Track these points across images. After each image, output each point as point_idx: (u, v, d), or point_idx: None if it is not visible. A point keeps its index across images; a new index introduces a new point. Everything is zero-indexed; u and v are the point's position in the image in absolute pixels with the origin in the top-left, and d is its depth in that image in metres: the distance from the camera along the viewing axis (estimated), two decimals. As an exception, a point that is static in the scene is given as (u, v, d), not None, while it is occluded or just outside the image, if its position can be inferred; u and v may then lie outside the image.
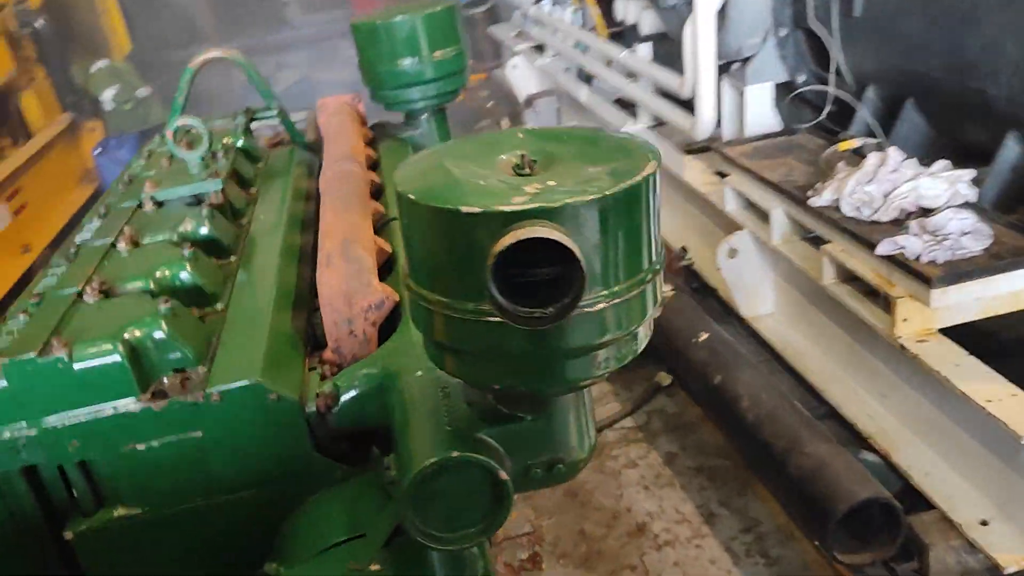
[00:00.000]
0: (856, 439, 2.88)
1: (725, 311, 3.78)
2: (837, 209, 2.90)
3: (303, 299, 1.79)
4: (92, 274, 1.60)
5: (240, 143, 2.45)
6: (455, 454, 1.18)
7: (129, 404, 1.37)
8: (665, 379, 3.55)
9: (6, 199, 5.44)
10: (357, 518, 1.39)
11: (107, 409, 1.37)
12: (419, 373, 1.39)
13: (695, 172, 4.04)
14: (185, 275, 1.61)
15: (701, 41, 3.70)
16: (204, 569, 1.48)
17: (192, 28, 8.70)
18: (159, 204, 1.98)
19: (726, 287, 3.66)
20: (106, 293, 1.54)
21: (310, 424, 1.45)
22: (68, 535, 1.44)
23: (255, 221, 2.04)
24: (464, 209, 1.01)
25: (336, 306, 1.57)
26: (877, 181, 2.85)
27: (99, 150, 6.49)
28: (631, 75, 4.82)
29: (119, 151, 6.47)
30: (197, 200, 2.00)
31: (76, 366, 1.34)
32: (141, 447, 1.40)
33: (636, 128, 4.76)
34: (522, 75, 6.61)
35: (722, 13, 3.70)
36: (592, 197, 1.01)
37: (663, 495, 3.00)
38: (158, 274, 1.59)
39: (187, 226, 1.81)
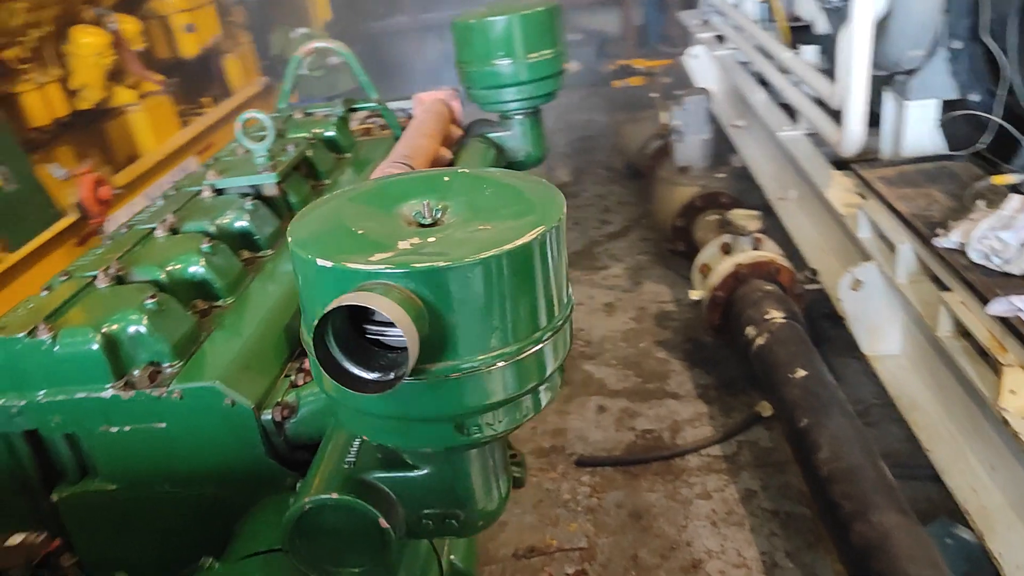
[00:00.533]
0: (957, 511, 2.58)
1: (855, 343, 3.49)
2: (963, 254, 2.58)
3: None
4: (116, 258, 1.72)
5: (328, 134, 2.53)
6: (334, 495, 1.17)
7: (101, 390, 1.48)
8: (766, 409, 3.35)
9: (198, 152, 5.98)
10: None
11: (82, 392, 1.48)
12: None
13: (838, 190, 3.72)
14: (196, 268, 1.70)
15: (855, 49, 3.37)
16: (167, 552, 1.57)
17: (390, 1, 9.07)
18: (219, 192, 2.09)
19: (849, 321, 3.36)
20: (120, 279, 1.66)
21: (266, 431, 1.50)
22: (54, 497, 1.58)
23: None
24: (319, 261, 0.99)
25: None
26: (1016, 228, 2.50)
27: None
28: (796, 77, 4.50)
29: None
30: (255, 191, 2.10)
31: (57, 349, 1.46)
32: (113, 430, 1.51)
33: (793, 135, 4.45)
34: (701, 65, 6.35)
35: (883, 20, 3.36)
36: (442, 264, 0.96)
37: (729, 534, 2.84)
38: (170, 266, 1.69)
39: (225, 218, 1.90)
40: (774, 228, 3.90)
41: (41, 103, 4.88)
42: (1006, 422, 2.28)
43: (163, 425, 1.49)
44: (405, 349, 0.95)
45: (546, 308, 1.05)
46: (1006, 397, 2.29)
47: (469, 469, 1.22)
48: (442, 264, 0.95)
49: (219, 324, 1.65)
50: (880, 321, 3.29)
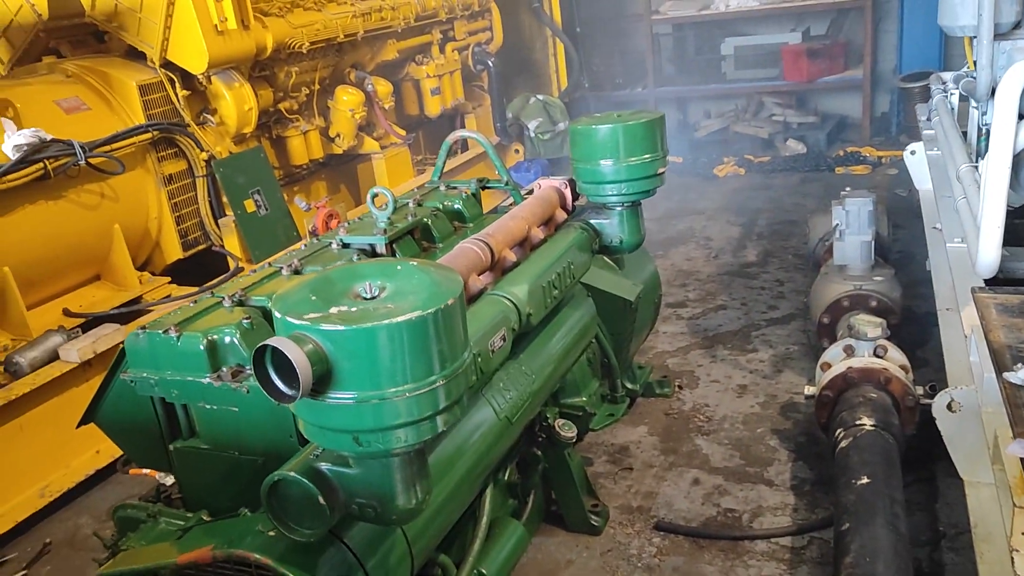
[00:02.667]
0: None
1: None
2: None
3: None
4: (243, 288, 2.40)
5: (455, 206, 3.12)
6: (293, 474, 1.71)
7: (202, 377, 2.13)
8: (850, 512, 3.41)
9: (426, 198, 6.88)
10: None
11: (191, 376, 2.15)
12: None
13: (971, 310, 3.69)
14: (292, 303, 2.33)
15: (991, 173, 3.40)
16: (233, 499, 2.18)
17: (633, 73, 9.66)
18: (345, 246, 2.74)
19: (947, 442, 3.35)
20: (241, 302, 2.33)
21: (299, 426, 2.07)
22: (171, 447, 2.27)
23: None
24: (276, 314, 1.54)
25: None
26: (1075, 373, 2.50)
27: (514, 168, 7.75)
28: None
29: (528, 172, 7.67)
30: (371, 248, 2.72)
31: (178, 345, 2.14)
32: (207, 406, 2.16)
33: (959, 247, 4.38)
34: (917, 162, 6.27)
35: (1027, 146, 3.35)
36: (332, 328, 1.46)
37: (763, 618, 3.00)
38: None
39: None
40: (938, 339, 3.88)
41: (303, 146, 5.98)
42: (1012, 561, 2.30)
43: (236, 409, 2.12)
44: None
45: (414, 365, 1.51)
46: (1018, 538, 2.32)
47: (385, 474, 1.70)
48: (332, 328, 1.46)
49: (297, 345, 2.26)
50: (976, 447, 3.26)
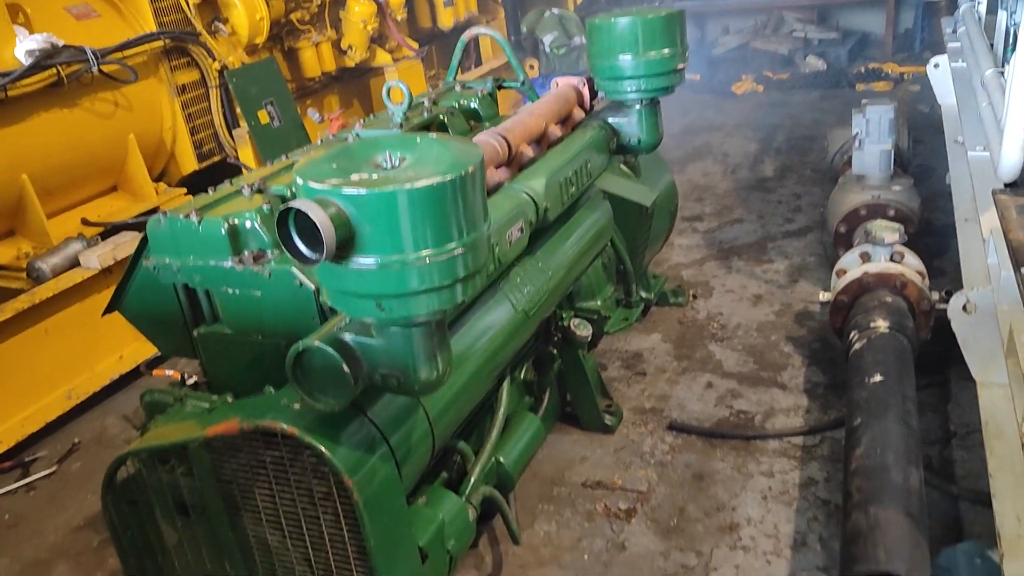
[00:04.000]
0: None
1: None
2: (1044, 285, 2.60)
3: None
4: (262, 177, 2.41)
5: (471, 105, 3.09)
6: (314, 343, 1.74)
7: (224, 261, 2.16)
8: (862, 413, 3.46)
9: (440, 113, 6.82)
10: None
11: (213, 261, 2.17)
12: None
13: (990, 214, 3.66)
14: (311, 191, 2.34)
15: (1017, 69, 3.33)
16: (256, 382, 2.23)
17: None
18: (361, 140, 2.73)
19: (962, 343, 3.37)
20: (260, 191, 2.34)
21: (321, 308, 2.10)
22: (195, 333, 2.31)
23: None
24: (299, 180, 1.55)
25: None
26: (1096, 265, 2.50)
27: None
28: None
29: (542, 90, 7.54)
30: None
31: (200, 229, 2.16)
32: (230, 291, 2.19)
33: (981, 155, 4.31)
34: (941, 76, 6.14)
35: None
36: (355, 192, 1.47)
37: (774, 509, 3.07)
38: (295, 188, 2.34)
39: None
40: (956, 250, 3.87)
41: (315, 59, 5.91)
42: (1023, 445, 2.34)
43: (258, 293, 2.14)
44: (340, 243, 1.49)
45: (435, 230, 1.52)
46: (1029, 423, 2.36)
47: (407, 345, 1.73)
48: (354, 192, 1.47)
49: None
50: (991, 348, 3.28)
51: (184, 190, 5.04)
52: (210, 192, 2.38)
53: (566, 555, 2.98)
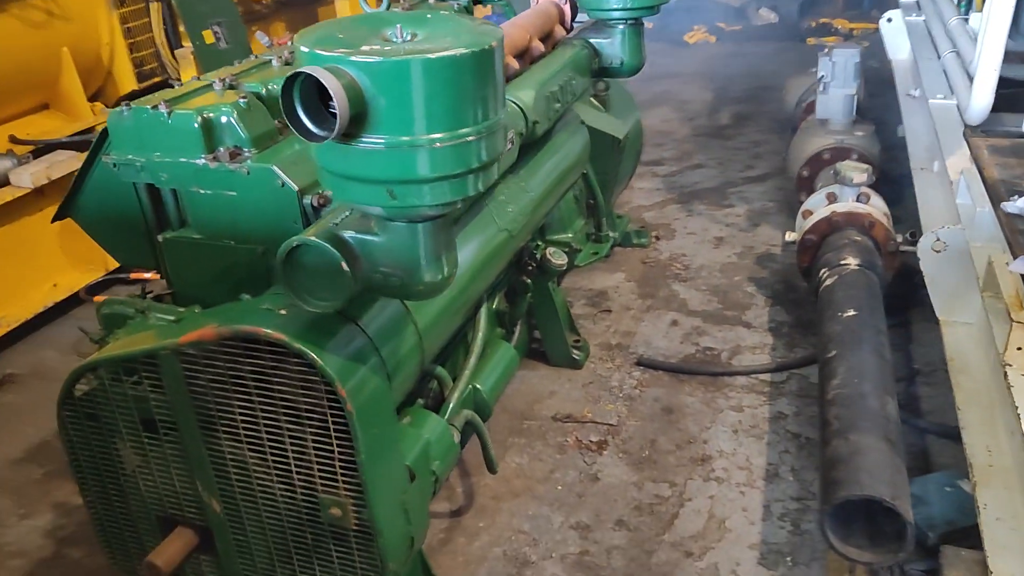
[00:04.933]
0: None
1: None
2: None
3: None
4: (234, 73, 2.22)
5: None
6: (310, 238, 1.59)
7: (197, 158, 1.98)
8: (829, 351, 3.46)
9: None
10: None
11: (183, 158, 1.99)
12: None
13: (958, 158, 3.68)
14: (289, 90, 2.16)
15: (992, 14, 3.32)
16: (227, 292, 2.07)
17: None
18: (337, 44, 2.55)
19: (928, 282, 3.39)
20: (232, 87, 2.15)
21: (305, 212, 1.94)
22: (160, 239, 2.12)
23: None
24: (301, 47, 1.39)
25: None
26: (1078, 197, 2.51)
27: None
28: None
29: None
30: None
31: (170, 122, 1.97)
32: (201, 191, 2.01)
33: (944, 103, 4.34)
34: (894, 30, 6.16)
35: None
36: (368, 60, 1.33)
37: (745, 443, 3.06)
38: (270, 85, 2.16)
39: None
40: (911, 199, 3.89)
41: (264, -19, 5.58)
42: (1005, 375, 2.35)
43: (234, 193, 1.97)
44: (350, 119, 1.34)
45: (453, 110, 1.39)
46: (1012, 353, 2.36)
47: (412, 241, 1.60)
48: (368, 60, 1.32)
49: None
50: (958, 287, 3.31)
51: (123, 112, 4.73)
52: (175, 87, 2.18)
53: (539, 486, 2.91)
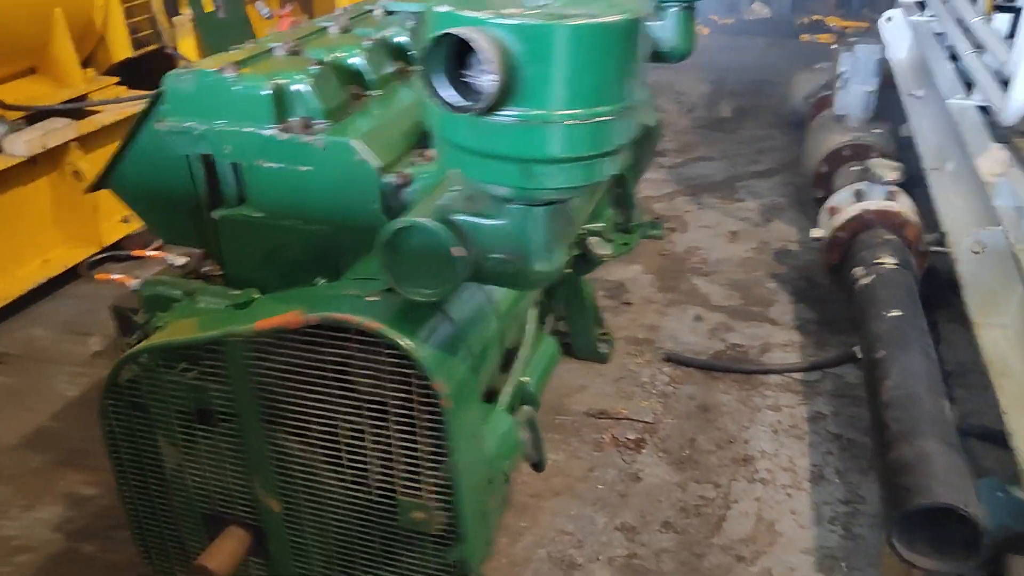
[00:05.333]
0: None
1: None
2: (1084, 221, 2.56)
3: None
4: (297, 38, 2.05)
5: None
6: (421, 220, 1.45)
7: (265, 128, 1.81)
8: (861, 352, 3.39)
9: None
10: (378, 270, 1.72)
11: (250, 127, 1.82)
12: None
13: (990, 159, 3.64)
14: (355, 59, 2.01)
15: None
16: (288, 276, 1.91)
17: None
18: (389, 13, 2.39)
19: (963, 284, 3.35)
20: (295, 52, 1.99)
21: (384, 191, 1.79)
22: (215, 215, 1.95)
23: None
24: (442, 8, 1.25)
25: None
26: None
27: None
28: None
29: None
30: (420, 18, 2.37)
31: (235, 87, 1.80)
32: (267, 165, 1.85)
33: (963, 103, 4.31)
34: (894, 29, 6.14)
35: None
36: (527, 22, 1.19)
37: (786, 443, 2.99)
38: (336, 52, 2.00)
39: (387, 31, 2.19)
40: (923, 199, 3.85)
41: (263, -51, 5.34)
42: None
43: (306, 168, 1.82)
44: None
45: (609, 88, 1.26)
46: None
47: (532, 227, 1.46)
48: (527, 22, 1.19)
49: (366, 106, 1.96)
50: (996, 288, 3.27)
51: (116, 79, 4.48)
52: (231, 51, 2.01)
53: (579, 485, 2.80)
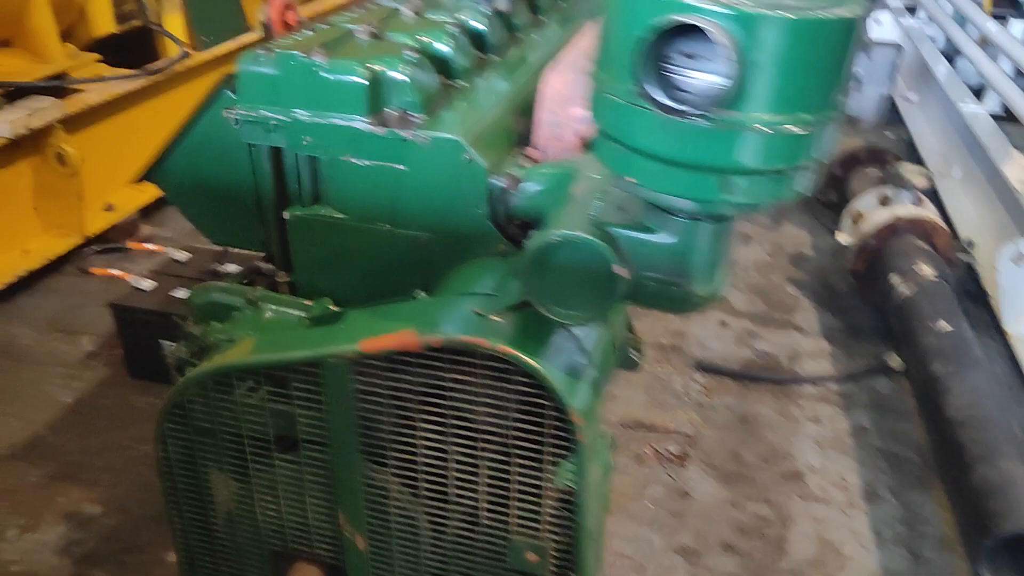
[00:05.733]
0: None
1: (992, 324, 3.46)
2: None
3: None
4: (378, 21, 1.84)
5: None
6: (582, 234, 1.28)
7: (356, 121, 1.61)
8: (895, 361, 3.32)
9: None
10: (497, 285, 1.54)
11: (338, 119, 1.61)
12: (594, 177, 1.48)
13: (1017, 167, 3.62)
14: (441, 46, 1.81)
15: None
16: (371, 286, 1.72)
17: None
18: (453, -5, 2.19)
19: (997, 293, 3.31)
20: (376, 36, 1.78)
21: (492, 194, 1.61)
22: (286, 215, 1.74)
23: (529, 40, 2.20)
24: (651, -10, 1.07)
25: (552, 107, 1.69)
26: None
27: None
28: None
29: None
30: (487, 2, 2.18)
31: (325, 74, 1.59)
32: (355, 161, 1.64)
33: (975, 110, 4.30)
34: (883, 32, 6.14)
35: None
36: (768, 13, 1.02)
37: (833, 457, 2.89)
38: (420, 36, 1.80)
39: (463, 14, 2.00)
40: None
41: (249, -77, 5.04)
42: None
43: (402, 167, 1.62)
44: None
45: (830, 93, 1.11)
46: None
47: (703, 244, 1.30)
48: (768, 13, 1.02)
49: (460, 97, 1.77)
50: (1035, 299, 3.24)
51: (98, 56, 4.15)
52: (305, 33, 1.79)
53: (630, 503, 2.66)
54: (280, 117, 1.65)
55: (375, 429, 1.53)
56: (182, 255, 3.25)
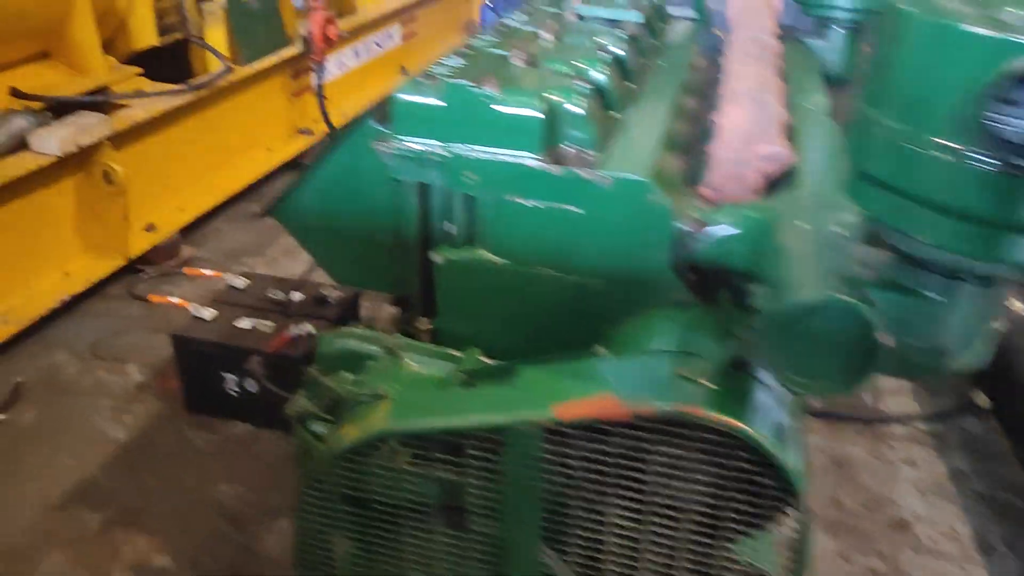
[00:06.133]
0: None
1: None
2: None
3: (685, 144, 1.78)
4: (518, 48, 1.69)
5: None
6: (843, 298, 1.13)
7: (529, 159, 1.46)
8: (982, 400, 3.20)
9: (401, 23, 6.02)
10: (688, 340, 1.39)
11: (509, 156, 1.46)
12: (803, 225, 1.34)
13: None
14: (598, 74, 1.66)
15: None
16: (521, 333, 1.56)
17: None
18: (580, 18, 2.05)
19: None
20: (531, 63, 1.63)
21: (674, 239, 1.46)
22: (436, 258, 1.58)
23: (656, 66, 2.06)
24: (964, 27, 0.93)
25: (733, 144, 1.55)
26: None
27: (490, 4, 6.90)
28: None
29: (504, 9, 6.84)
30: (614, 26, 2.04)
31: (498, 106, 1.44)
32: (524, 203, 1.49)
33: None
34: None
35: None
36: None
37: (938, 505, 2.75)
38: (575, 63, 1.65)
39: (604, 39, 1.86)
40: None
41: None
42: None
43: (579, 210, 1.46)
44: None
45: None
46: None
47: (970, 310, 1.16)
48: None
49: (621, 131, 1.62)
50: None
51: (139, 69, 3.97)
52: (454, 60, 1.64)
53: (738, 556, 2.50)
54: (440, 152, 1.50)
55: (558, 503, 1.37)
56: (240, 281, 3.08)
